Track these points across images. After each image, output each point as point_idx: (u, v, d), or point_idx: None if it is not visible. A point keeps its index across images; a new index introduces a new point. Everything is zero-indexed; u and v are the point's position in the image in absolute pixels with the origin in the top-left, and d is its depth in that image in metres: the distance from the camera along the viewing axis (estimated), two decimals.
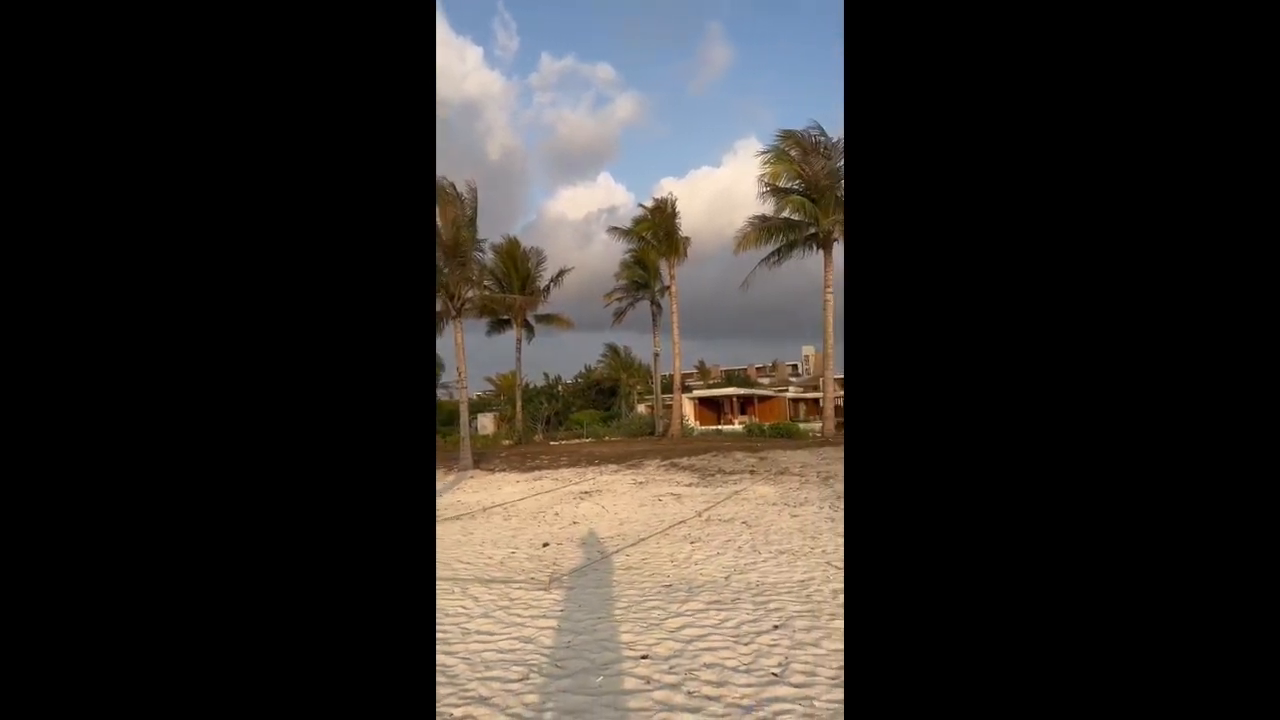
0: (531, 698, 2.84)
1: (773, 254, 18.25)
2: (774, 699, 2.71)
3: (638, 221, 22.39)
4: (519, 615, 4.06)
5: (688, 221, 35.47)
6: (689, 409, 27.90)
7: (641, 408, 29.70)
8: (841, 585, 4.37)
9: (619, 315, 24.80)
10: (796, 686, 2.83)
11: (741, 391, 32.42)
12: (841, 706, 2.58)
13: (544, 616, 4.01)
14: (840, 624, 3.59)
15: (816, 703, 2.66)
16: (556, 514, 8.27)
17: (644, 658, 3.23)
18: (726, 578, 4.76)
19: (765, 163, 17.72)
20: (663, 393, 25.12)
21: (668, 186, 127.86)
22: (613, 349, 32.53)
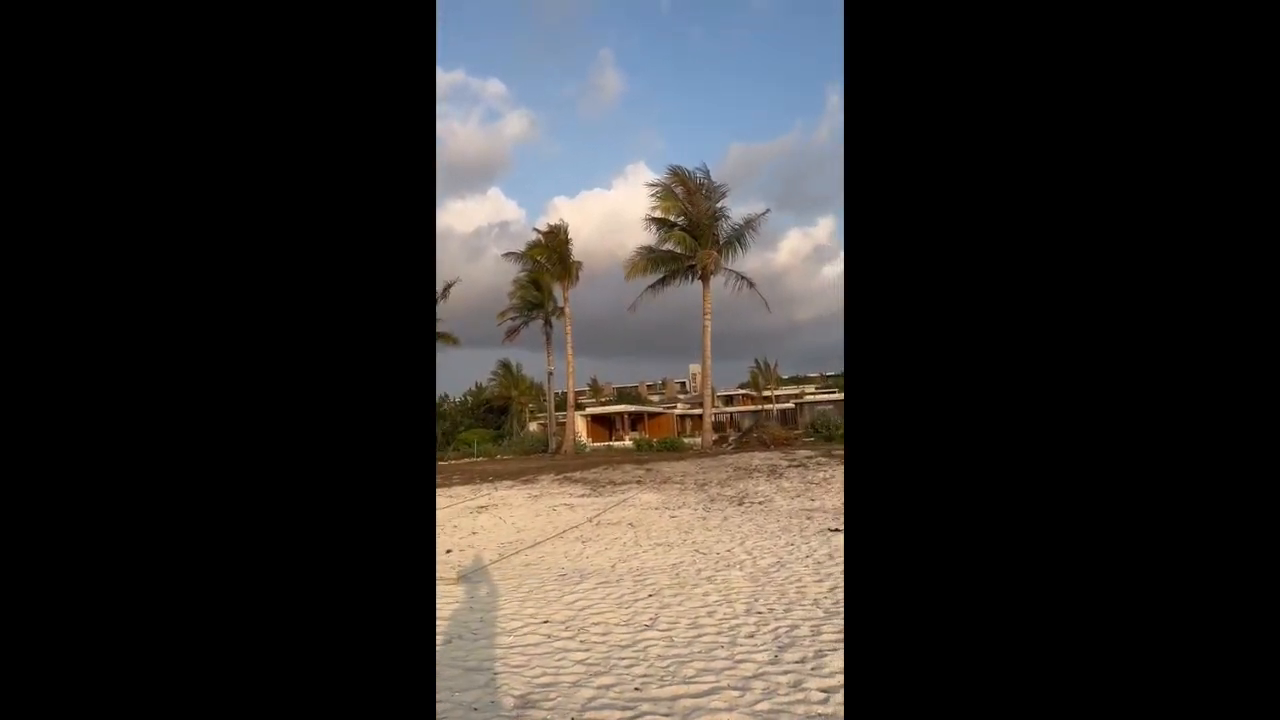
0: (456, 653, 3.56)
1: (658, 281, 19.68)
2: (645, 640, 3.63)
3: (531, 246, 23.04)
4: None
5: (580, 241, 36.09)
6: (581, 426, 28.70)
7: (534, 425, 30.00)
8: (706, 565, 5.42)
9: (511, 333, 25.19)
10: (662, 631, 3.77)
11: (632, 409, 33.80)
12: (695, 639, 3.55)
13: (457, 603, 4.69)
14: (702, 590, 4.60)
15: (676, 639, 3.61)
16: (455, 526, 8.76)
17: (545, 623, 4.04)
18: (612, 566, 5.66)
19: (653, 195, 19.20)
20: (556, 410, 25.68)
21: (559, 205, 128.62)
22: (505, 366, 32.43)
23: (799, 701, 2.70)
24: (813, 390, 44.75)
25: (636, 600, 4.45)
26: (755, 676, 2.99)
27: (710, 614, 4.04)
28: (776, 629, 3.67)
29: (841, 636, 3.40)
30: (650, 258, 19.28)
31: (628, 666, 3.22)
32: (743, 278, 19.42)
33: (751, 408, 40.56)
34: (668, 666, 3.20)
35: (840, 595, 4.19)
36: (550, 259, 22.40)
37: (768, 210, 19.26)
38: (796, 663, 3.13)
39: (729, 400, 46.47)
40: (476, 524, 8.89)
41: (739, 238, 19.27)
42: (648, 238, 19.88)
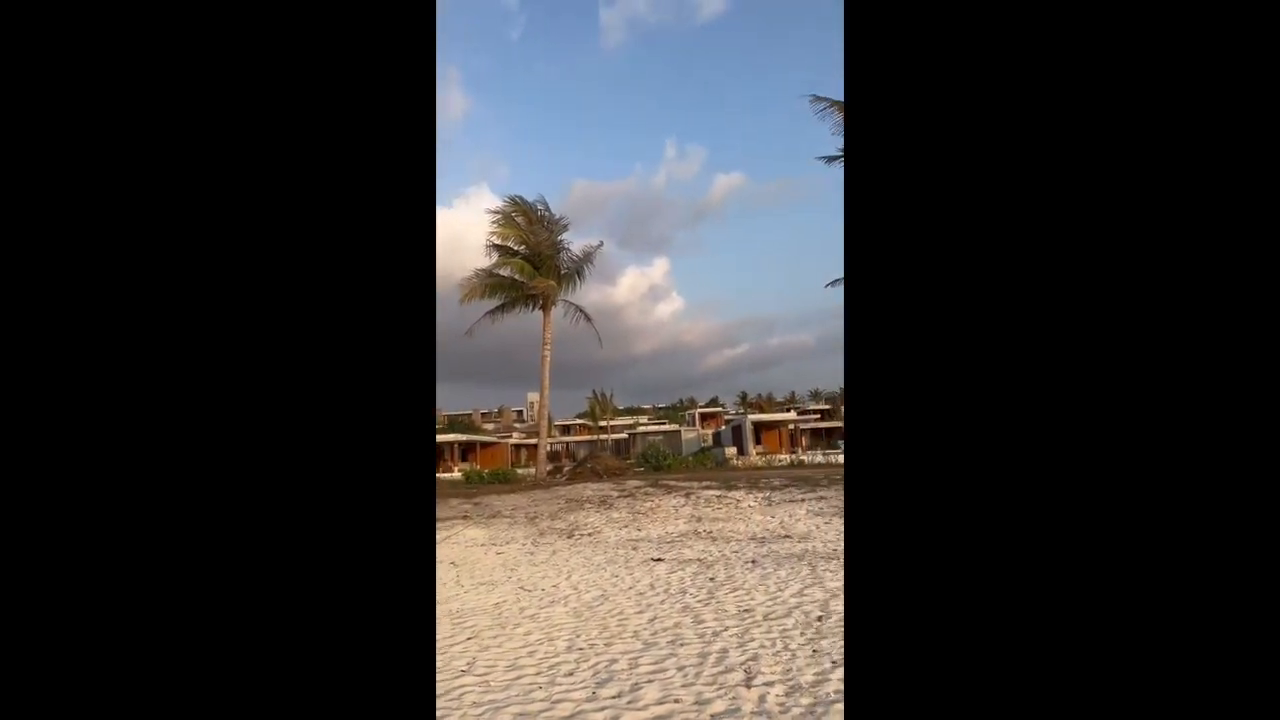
0: None
1: (498, 308, 19.31)
2: (460, 687, 3.46)
3: None
4: None
5: None
6: None
7: None
8: (530, 603, 5.31)
9: None
10: (479, 676, 3.62)
11: (463, 438, 32.32)
12: (513, 681, 3.46)
13: None
14: (524, 630, 4.49)
15: (492, 683, 3.49)
16: None
17: None
18: None
19: (494, 223, 18.90)
20: None
21: None
22: None
23: None
24: (645, 421, 46.37)
25: (453, 645, 4.23)
26: (571, 717, 2.99)
27: (531, 654, 3.97)
28: (596, 664, 3.71)
29: (657, 667, 3.53)
30: (489, 282, 18.88)
31: (442, 718, 3.05)
32: (580, 310, 19.75)
33: (588, 437, 40.93)
34: (482, 714, 3.08)
35: (657, 625, 4.35)
36: None
37: (601, 243, 19.91)
38: (613, 698, 3.18)
39: (566, 430, 46.45)
40: None
41: (578, 270, 19.62)
42: (488, 262, 19.50)
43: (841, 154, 10.27)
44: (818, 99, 10.01)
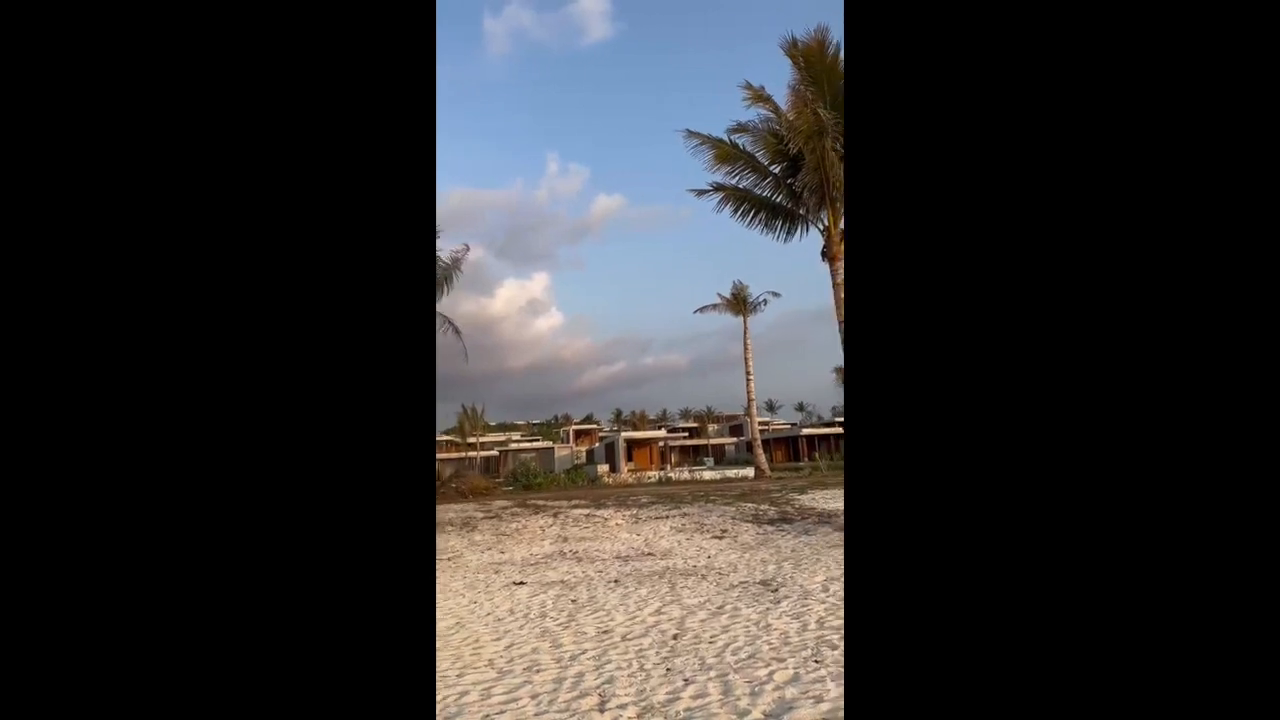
0: None
1: None
2: None
3: None
4: None
5: None
6: None
7: None
8: None
9: None
10: None
11: None
12: None
13: None
14: None
15: None
16: None
17: None
18: None
19: None
20: None
21: None
22: None
23: None
24: (518, 438, 45.31)
25: None
26: None
27: None
28: (445, 698, 3.53)
29: (509, 697, 3.42)
30: None
31: None
32: (448, 320, 18.99)
33: (456, 455, 39.16)
34: None
35: (514, 652, 4.23)
36: None
37: (467, 247, 19.27)
38: None
39: None
40: None
41: (446, 277, 18.89)
42: None
43: (711, 188, 10.85)
44: (692, 134, 10.51)
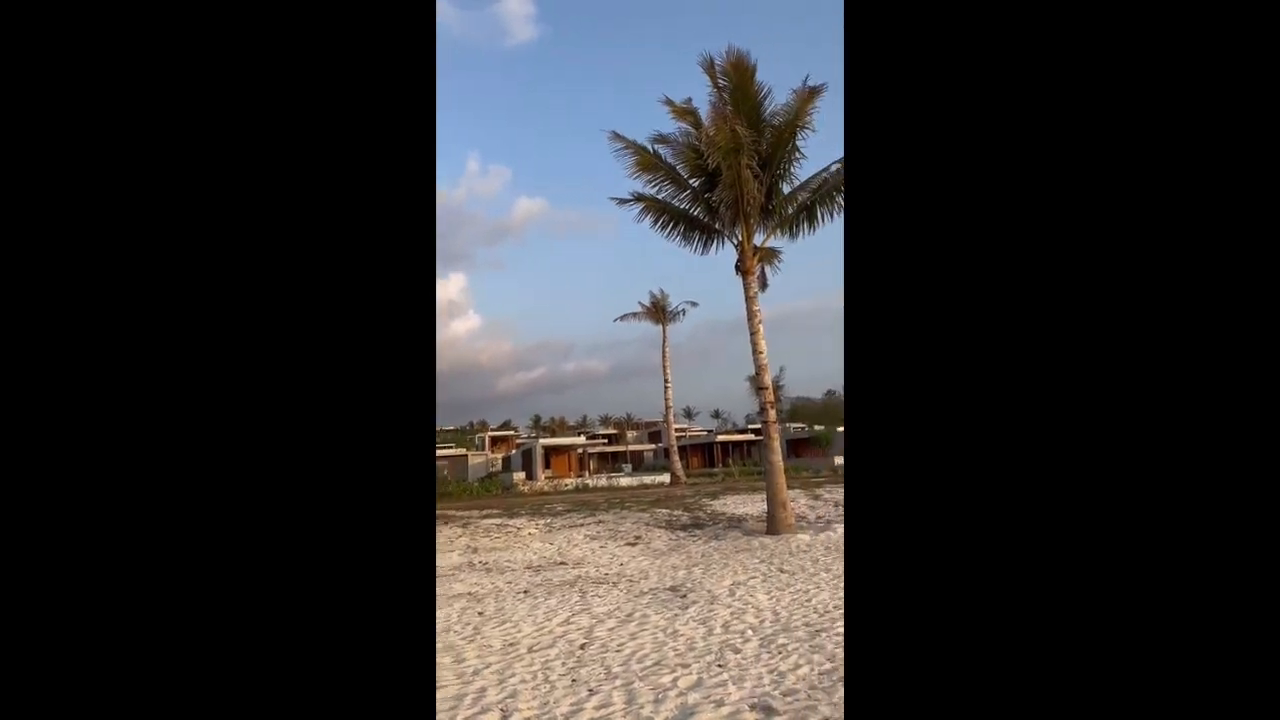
0: None
1: None
2: None
3: None
4: None
5: None
6: None
7: None
8: None
9: None
10: None
11: None
12: None
13: None
14: None
15: None
16: None
17: None
18: None
19: None
20: None
21: None
22: None
23: None
24: None
25: None
26: None
27: None
28: None
29: None
30: None
31: None
32: None
33: None
34: None
35: None
36: None
37: None
38: None
39: None
40: None
41: None
42: None
43: (632, 197, 10.96)
44: (617, 136, 10.57)
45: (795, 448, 35.32)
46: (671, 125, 11.64)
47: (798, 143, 10.17)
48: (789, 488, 11.55)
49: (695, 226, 11.12)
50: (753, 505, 11.94)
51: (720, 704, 3.13)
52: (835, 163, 10.29)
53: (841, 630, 4.31)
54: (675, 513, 11.77)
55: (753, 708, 3.06)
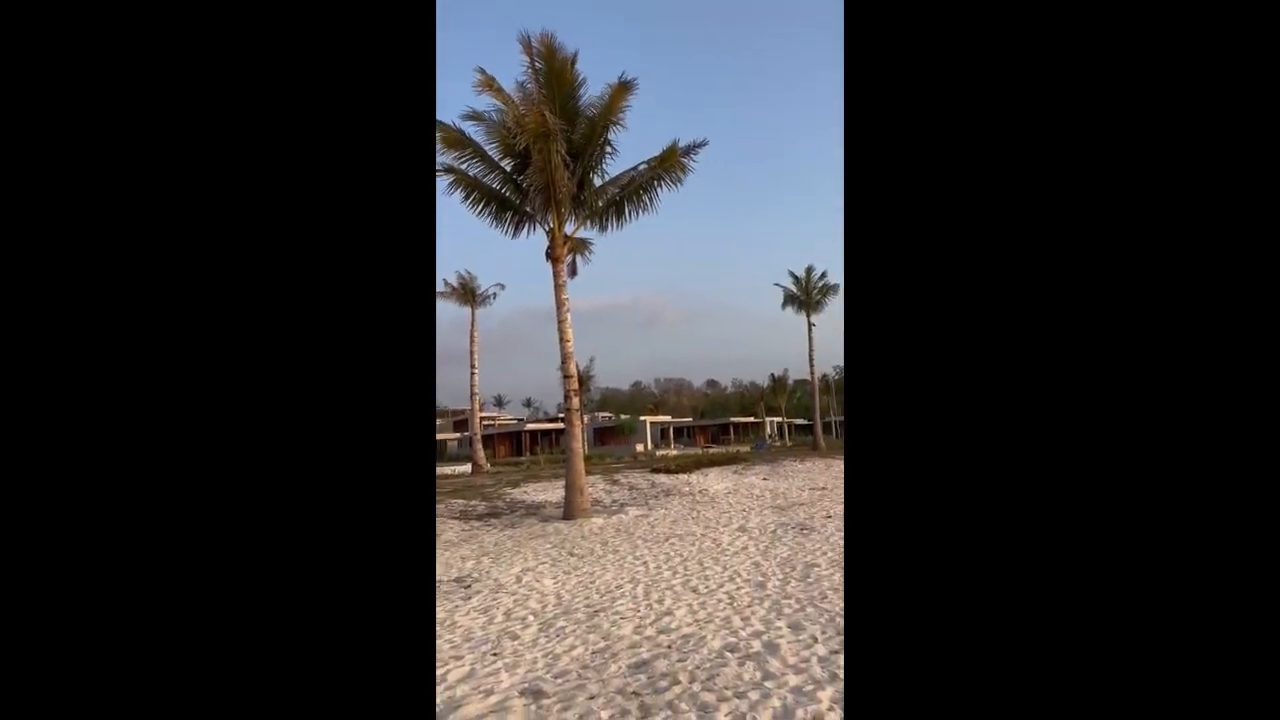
0: None
1: None
2: None
3: None
4: None
5: None
6: None
7: None
8: None
9: None
10: None
11: None
12: None
13: None
14: None
15: None
16: None
17: None
18: None
19: None
20: None
21: None
22: None
23: None
24: None
25: None
26: None
27: None
28: None
29: None
30: None
31: None
32: None
33: None
34: None
35: None
36: None
37: None
38: None
39: None
40: None
41: None
42: None
43: (442, 170, 10.30)
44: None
45: (602, 436, 36.37)
46: (484, 101, 11.15)
47: (609, 138, 10.37)
48: (590, 474, 11.80)
49: (507, 207, 10.82)
50: (552, 492, 12.01)
51: (489, 693, 3.06)
52: (643, 163, 10.67)
53: (620, 608, 4.49)
54: (472, 502, 11.39)
55: (522, 693, 3.04)
